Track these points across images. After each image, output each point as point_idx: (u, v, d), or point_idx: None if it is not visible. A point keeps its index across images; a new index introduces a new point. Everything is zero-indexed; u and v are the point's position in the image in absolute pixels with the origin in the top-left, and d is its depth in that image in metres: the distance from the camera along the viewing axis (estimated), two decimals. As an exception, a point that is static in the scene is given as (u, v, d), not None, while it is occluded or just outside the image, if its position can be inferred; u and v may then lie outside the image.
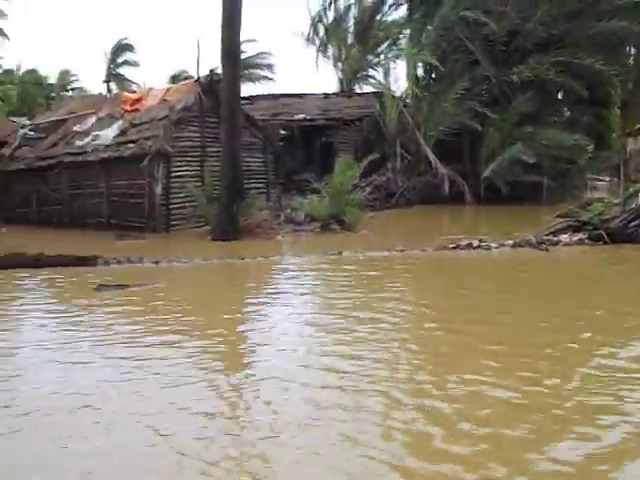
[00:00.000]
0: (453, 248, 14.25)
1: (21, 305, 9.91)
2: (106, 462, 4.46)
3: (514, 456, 4.42)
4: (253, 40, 42.33)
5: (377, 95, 29.90)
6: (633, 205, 15.68)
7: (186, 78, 32.69)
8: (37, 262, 12.66)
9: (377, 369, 6.20)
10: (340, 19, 36.35)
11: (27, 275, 11.98)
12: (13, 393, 5.82)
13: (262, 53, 44.63)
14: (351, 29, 36.68)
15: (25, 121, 28.70)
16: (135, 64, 52.64)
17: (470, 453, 4.45)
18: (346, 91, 35.83)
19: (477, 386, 5.68)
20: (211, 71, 19.88)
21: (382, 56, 33.92)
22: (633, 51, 29.88)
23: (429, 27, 27.63)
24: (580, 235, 14.88)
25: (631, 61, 29.76)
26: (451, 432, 4.79)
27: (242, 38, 18.29)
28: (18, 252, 13.28)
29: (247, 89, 36.18)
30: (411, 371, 6.24)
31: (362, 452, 4.50)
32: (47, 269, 12.29)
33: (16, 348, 7.43)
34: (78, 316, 8.78)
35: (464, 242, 14.48)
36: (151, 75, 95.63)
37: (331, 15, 36.31)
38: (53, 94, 49.27)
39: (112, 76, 52.24)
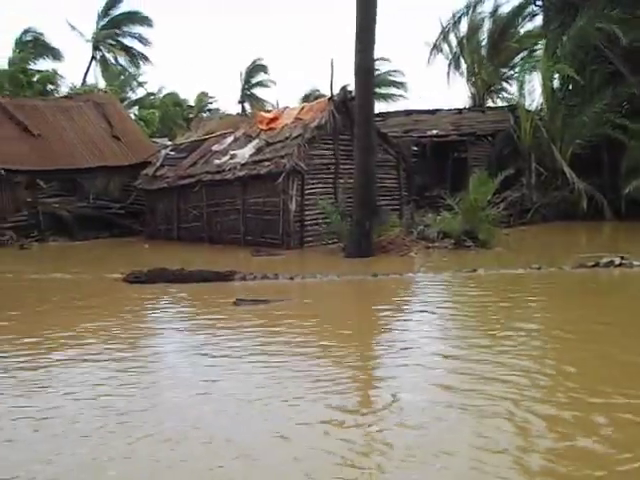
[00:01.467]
0: (593, 266, 13.73)
1: (163, 316, 10.40)
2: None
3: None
4: (387, 60, 42.94)
5: (511, 109, 29.23)
6: None
7: (318, 97, 33.21)
8: (177, 277, 13.23)
9: (522, 391, 6.07)
10: (473, 31, 35.81)
11: (168, 289, 12.54)
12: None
13: (394, 71, 44.95)
14: (484, 42, 36.09)
15: (166, 142, 30.12)
16: (268, 84, 54.37)
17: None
18: (478, 105, 35.27)
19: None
20: (343, 88, 20.09)
21: (516, 68, 33.14)
22: None
23: (565, 37, 26.76)
24: None
25: None
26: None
27: (375, 55, 18.34)
28: (160, 267, 13.92)
29: (379, 106, 36.41)
30: (552, 395, 6.06)
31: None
32: (187, 283, 12.81)
33: (164, 354, 7.83)
34: (217, 329, 9.10)
35: (604, 260, 13.93)
36: (283, 94, 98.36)
37: (463, 27, 35.95)
38: (191, 115, 51.38)
39: (246, 97, 54.07)
